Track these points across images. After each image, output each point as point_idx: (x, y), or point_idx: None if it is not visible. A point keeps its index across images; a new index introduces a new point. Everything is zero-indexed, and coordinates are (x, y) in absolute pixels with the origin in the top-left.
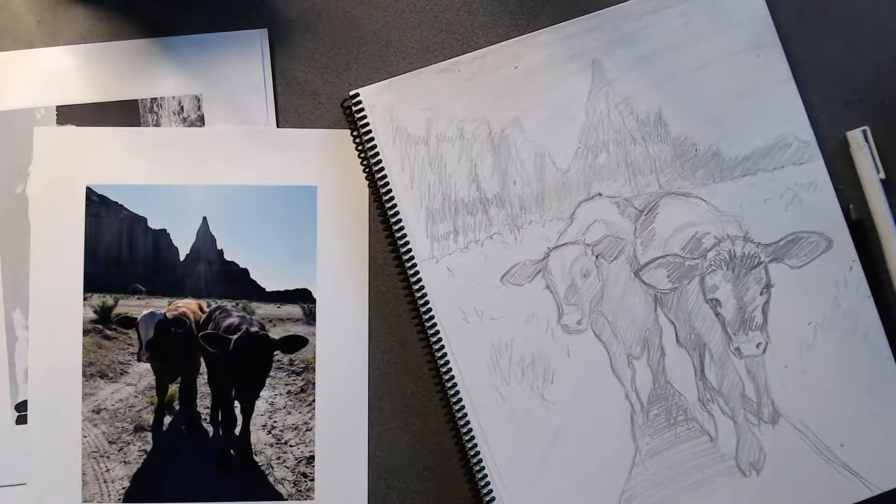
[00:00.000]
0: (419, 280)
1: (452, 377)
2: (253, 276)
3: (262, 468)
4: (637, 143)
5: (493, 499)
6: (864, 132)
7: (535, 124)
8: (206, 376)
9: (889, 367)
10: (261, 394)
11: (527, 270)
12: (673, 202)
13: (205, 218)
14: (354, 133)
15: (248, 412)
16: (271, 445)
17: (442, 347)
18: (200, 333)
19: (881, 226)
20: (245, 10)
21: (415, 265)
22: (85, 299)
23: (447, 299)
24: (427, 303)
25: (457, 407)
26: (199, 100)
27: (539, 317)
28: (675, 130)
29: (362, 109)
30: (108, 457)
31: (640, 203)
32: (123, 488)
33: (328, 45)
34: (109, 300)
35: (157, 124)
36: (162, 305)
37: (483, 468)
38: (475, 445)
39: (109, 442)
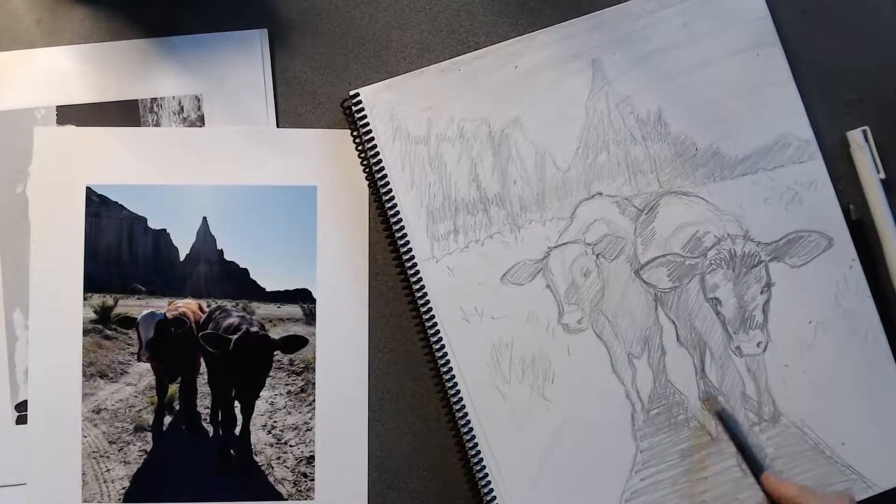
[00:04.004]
0: (419, 280)
1: (452, 377)
2: (253, 276)
3: (262, 468)
4: (637, 142)
5: (493, 498)
6: (864, 132)
7: (535, 124)
8: (206, 376)
9: (889, 367)
10: (261, 394)
11: (527, 270)
12: (673, 201)
13: (205, 218)
14: (354, 133)
15: (248, 412)
16: (271, 445)
17: (442, 347)
18: (200, 333)
19: (881, 226)
20: (245, 10)
21: (415, 265)
22: (85, 299)
23: (447, 299)
24: (427, 303)
25: (457, 407)
26: (199, 100)
27: (539, 316)
28: (676, 130)
29: (362, 109)
30: (108, 457)
31: (641, 202)
32: (123, 488)
33: (328, 45)
34: (109, 300)
35: (157, 124)
36: (162, 305)
37: (483, 468)
38: (475, 445)
39: (109, 442)
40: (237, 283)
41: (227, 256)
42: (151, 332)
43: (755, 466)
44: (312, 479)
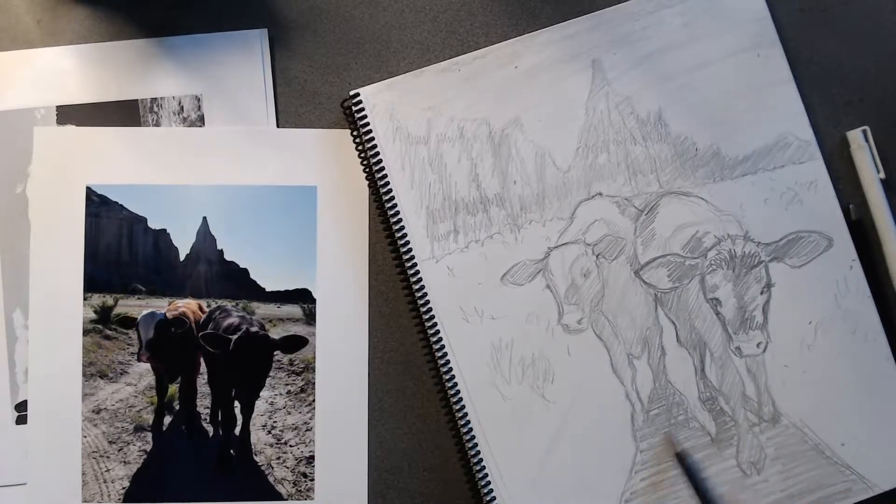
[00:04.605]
0: (419, 280)
1: (452, 377)
2: (253, 276)
3: (262, 468)
4: (637, 142)
5: (493, 498)
6: (864, 132)
7: (535, 124)
8: (206, 376)
9: (889, 367)
10: (261, 394)
11: (527, 270)
12: (673, 202)
13: (205, 218)
14: (354, 133)
15: (248, 412)
16: (271, 445)
17: (442, 347)
18: (200, 333)
19: (881, 226)
20: (245, 10)
21: (415, 265)
22: (85, 299)
23: (447, 299)
24: (427, 303)
25: (457, 407)
26: (199, 100)
27: (539, 316)
28: (676, 130)
29: (362, 109)
30: (108, 457)
31: (641, 202)
32: (123, 488)
33: (328, 45)
34: (109, 300)
35: (157, 124)
36: (162, 305)
37: (483, 468)
38: (475, 445)
39: (109, 442)
40: (237, 283)
41: (227, 256)
42: (151, 332)
43: None
44: (312, 479)
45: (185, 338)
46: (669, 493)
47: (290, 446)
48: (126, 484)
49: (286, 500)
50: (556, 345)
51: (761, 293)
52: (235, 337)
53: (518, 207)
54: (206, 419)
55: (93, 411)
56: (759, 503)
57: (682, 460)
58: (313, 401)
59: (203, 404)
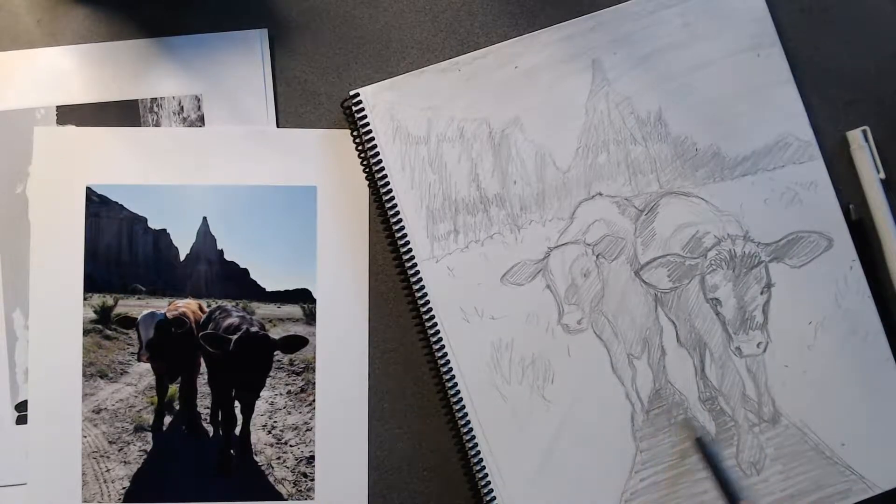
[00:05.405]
0: (419, 280)
1: (452, 377)
2: (253, 276)
3: (262, 468)
4: (637, 142)
5: (493, 499)
6: (864, 132)
7: (535, 124)
8: (206, 376)
9: (889, 367)
10: (261, 394)
11: (527, 270)
12: (673, 202)
13: (205, 218)
14: (354, 133)
15: (248, 412)
16: (271, 445)
17: (442, 347)
18: (200, 333)
19: (881, 226)
20: (245, 10)
21: (415, 265)
22: (85, 299)
23: (447, 299)
24: (427, 303)
25: (457, 407)
26: (199, 100)
27: (539, 316)
28: (676, 130)
29: (362, 109)
30: (108, 457)
31: (641, 203)
32: (123, 488)
33: (328, 45)
34: (109, 300)
35: (157, 124)
36: (162, 305)
37: (483, 468)
38: (475, 445)
39: (109, 442)
40: (237, 283)
41: (227, 256)
42: (151, 332)
43: (732, 498)
44: (312, 479)
45: (185, 338)
46: (670, 494)
47: (290, 446)
48: (126, 484)
49: (286, 500)
50: (556, 345)
51: (761, 293)
52: (235, 337)
53: (518, 207)
54: (206, 419)
55: (93, 411)
56: (759, 503)
57: (703, 446)
58: (313, 401)
59: (203, 404)
